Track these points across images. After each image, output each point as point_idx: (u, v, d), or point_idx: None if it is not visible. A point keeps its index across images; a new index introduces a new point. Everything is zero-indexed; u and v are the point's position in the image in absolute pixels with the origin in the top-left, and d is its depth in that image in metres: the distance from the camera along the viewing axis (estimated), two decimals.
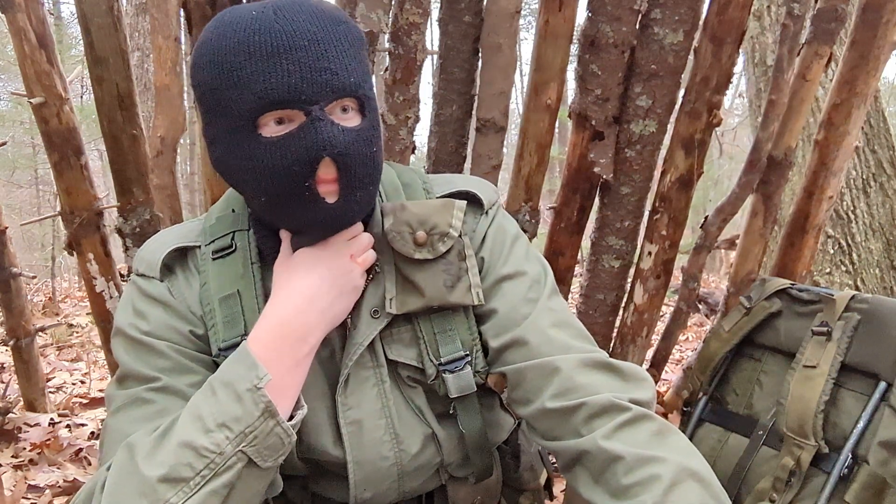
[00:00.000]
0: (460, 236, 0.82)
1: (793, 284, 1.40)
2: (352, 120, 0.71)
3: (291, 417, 0.72)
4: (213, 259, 0.81)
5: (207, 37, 0.70)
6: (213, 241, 0.82)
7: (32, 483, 1.77)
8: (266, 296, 0.79)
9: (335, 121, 0.69)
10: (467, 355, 0.83)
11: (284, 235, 0.79)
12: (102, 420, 2.25)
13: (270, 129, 0.69)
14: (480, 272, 0.84)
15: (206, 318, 0.80)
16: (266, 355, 0.70)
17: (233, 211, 0.84)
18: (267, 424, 0.67)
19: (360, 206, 0.75)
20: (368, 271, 0.81)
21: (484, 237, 0.86)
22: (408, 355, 0.83)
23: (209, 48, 0.69)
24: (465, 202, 0.84)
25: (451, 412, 0.85)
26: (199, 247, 0.82)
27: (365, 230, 0.81)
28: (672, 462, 0.68)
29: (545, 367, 0.77)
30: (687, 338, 3.79)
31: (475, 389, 0.84)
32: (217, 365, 0.78)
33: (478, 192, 0.87)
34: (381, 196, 0.85)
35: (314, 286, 0.74)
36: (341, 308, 0.77)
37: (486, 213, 0.87)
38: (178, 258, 0.82)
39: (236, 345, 0.76)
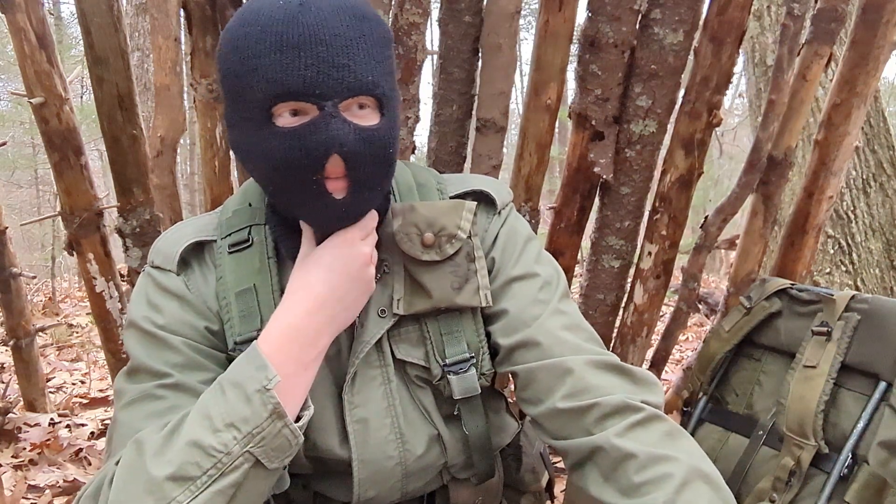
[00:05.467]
0: (469, 238, 0.82)
1: (793, 284, 1.40)
2: (368, 118, 0.71)
3: (298, 419, 0.71)
4: (230, 253, 0.81)
5: (234, 23, 0.71)
6: (229, 235, 0.82)
7: (32, 483, 1.77)
8: (282, 291, 0.78)
9: (348, 118, 0.69)
10: (472, 357, 0.83)
11: (306, 230, 0.78)
12: (103, 420, 2.26)
13: (285, 119, 0.69)
14: (491, 272, 0.84)
15: (221, 313, 0.80)
16: (276, 356, 0.69)
17: (249, 205, 0.84)
18: (275, 426, 0.67)
19: (369, 203, 0.75)
20: (377, 270, 0.81)
21: (496, 237, 0.86)
22: (415, 355, 0.83)
23: (234, 34, 0.70)
24: (475, 203, 0.84)
25: (455, 413, 0.85)
26: (216, 240, 0.82)
27: (378, 231, 0.81)
28: (684, 462, 0.68)
29: (557, 367, 0.77)
30: (687, 338, 3.79)
31: (479, 392, 0.84)
32: (231, 360, 0.79)
33: (491, 191, 0.87)
34: (394, 196, 0.85)
35: (328, 289, 0.73)
36: (353, 311, 0.77)
37: (499, 213, 0.88)
38: (195, 252, 0.82)
39: (252, 339, 0.76)
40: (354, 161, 0.70)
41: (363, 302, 0.78)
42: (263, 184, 0.76)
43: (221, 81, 0.74)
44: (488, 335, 0.85)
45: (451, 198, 0.86)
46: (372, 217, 0.78)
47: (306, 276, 0.74)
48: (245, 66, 0.69)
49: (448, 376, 0.82)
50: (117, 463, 0.68)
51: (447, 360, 0.82)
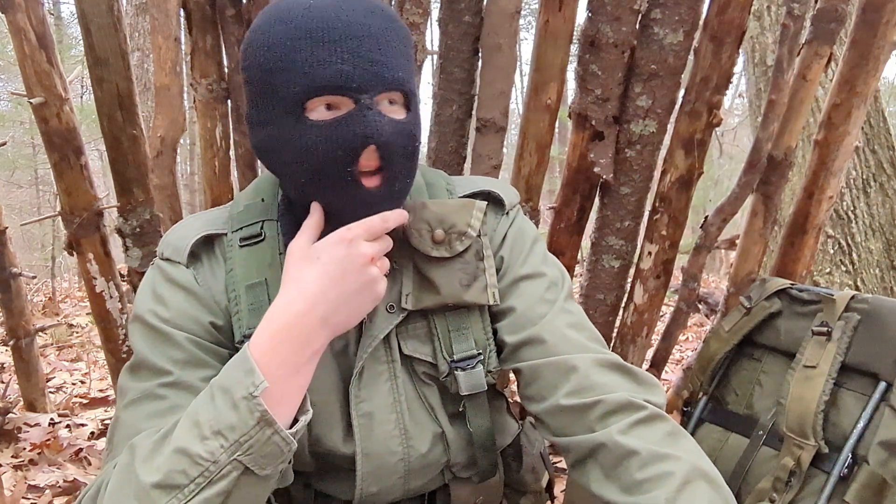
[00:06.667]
0: (479, 236, 0.83)
1: (793, 284, 1.40)
2: (397, 113, 0.73)
3: (296, 421, 0.70)
4: (241, 246, 0.81)
5: (264, 20, 0.72)
6: (240, 229, 0.82)
7: (32, 483, 1.77)
8: None
9: (382, 111, 0.71)
10: (480, 354, 0.84)
11: (309, 224, 0.75)
12: (103, 420, 2.26)
13: (319, 113, 0.70)
14: (499, 271, 0.85)
15: (230, 306, 0.79)
16: (265, 360, 0.68)
17: (262, 200, 0.84)
18: (263, 433, 0.65)
19: (399, 195, 0.76)
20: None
21: (504, 237, 0.87)
22: (423, 351, 0.83)
23: (265, 30, 0.71)
24: (486, 203, 0.85)
25: (460, 410, 0.86)
26: (226, 234, 0.82)
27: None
28: (686, 461, 0.68)
29: (562, 364, 0.78)
30: (687, 338, 3.79)
31: (485, 388, 0.85)
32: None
33: (500, 192, 0.89)
34: None
35: (321, 289, 0.71)
36: (351, 312, 0.73)
37: (507, 213, 0.89)
38: (205, 246, 0.82)
39: None
40: (389, 152, 0.71)
41: (365, 303, 0.75)
42: (293, 179, 0.75)
43: (248, 79, 0.74)
44: (494, 333, 0.85)
45: (460, 198, 0.87)
46: (384, 219, 0.74)
47: (299, 274, 0.72)
48: (279, 61, 0.70)
49: (455, 372, 0.83)
50: (115, 467, 0.68)
51: (455, 357, 0.83)
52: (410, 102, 0.74)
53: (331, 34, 0.68)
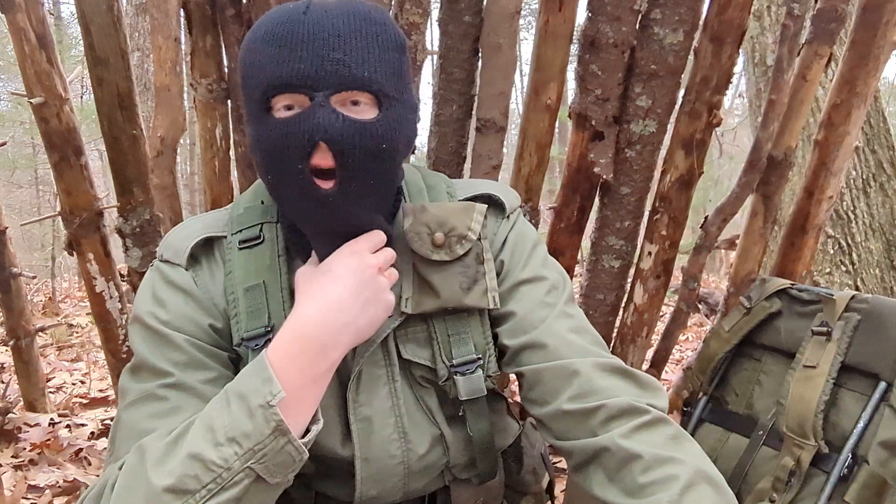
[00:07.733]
0: (479, 240, 0.83)
1: (793, 284, 1.40)
2: (363, 113, 0.71)
3: (308, 431, 0.70)
4: (240, 249, 0.81)
5: (256, 23, 0.74)
6: (240, 231, 0.82)
7: (32, 483, 1.77)
8: (291, 290, 0.78)
9: (337, 109, 0.69)
10: (479, 359, 0.83)
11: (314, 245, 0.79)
12: (103, 420, 2.26)
13: (280, 112, 0.71)
14: (499, 275, 0.85)
15: (228, 308, 0.80)
16: (284, 368, 0.68)
17: (262, 203, 0.84)
18: (278, 442, 0.65)
19: (361, 199, 0.74)
20: None
21: (504, 241, 0.87)
22: (422, 355, 0.83)
23: (248, 37, 0.73)
24: (486, 206, 0.85)
25: (460, 414, 0.86)
26: (226, 236, 0.83)
27: (387, 232, 0.81)
28: (689, 464, 0.68)
29: (564, 369, 0.78)
30: (687, 338, 3.78)
31: (485, 393, 0.84)
32: (236, 356, 0.79)
33: (501, 196, 0.88)
34: (404, 197, 0.85)
35: (339, 298, 0.72)
36: (366, 321, 0.74)
37: (508, 217, 0.88)
38: (205, 248, 0.83)
39: (259, 335, 0.77)
40: (340, 151, 0.69)
41: (379, 312, 0.75)
42: (265, 179, 0.76)
43: (240, 83, 0.76)
44: (494, 337, 0.85)
45: (460, 201, 0.87)
46: (378, 233, 0.77)
47: (314, 286, 0.73)
48: (250, 63, 0.72)
49: (454, 377, 0.82)
50: (121, 468, 0.67)
51: (454, 361, 0.83)
52: (382, 104, 0.72)
53: (295, 35, 0.69)
